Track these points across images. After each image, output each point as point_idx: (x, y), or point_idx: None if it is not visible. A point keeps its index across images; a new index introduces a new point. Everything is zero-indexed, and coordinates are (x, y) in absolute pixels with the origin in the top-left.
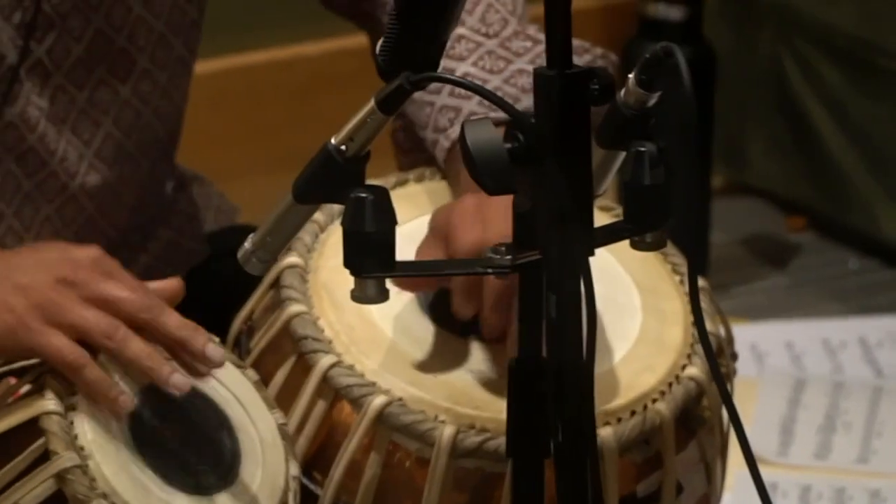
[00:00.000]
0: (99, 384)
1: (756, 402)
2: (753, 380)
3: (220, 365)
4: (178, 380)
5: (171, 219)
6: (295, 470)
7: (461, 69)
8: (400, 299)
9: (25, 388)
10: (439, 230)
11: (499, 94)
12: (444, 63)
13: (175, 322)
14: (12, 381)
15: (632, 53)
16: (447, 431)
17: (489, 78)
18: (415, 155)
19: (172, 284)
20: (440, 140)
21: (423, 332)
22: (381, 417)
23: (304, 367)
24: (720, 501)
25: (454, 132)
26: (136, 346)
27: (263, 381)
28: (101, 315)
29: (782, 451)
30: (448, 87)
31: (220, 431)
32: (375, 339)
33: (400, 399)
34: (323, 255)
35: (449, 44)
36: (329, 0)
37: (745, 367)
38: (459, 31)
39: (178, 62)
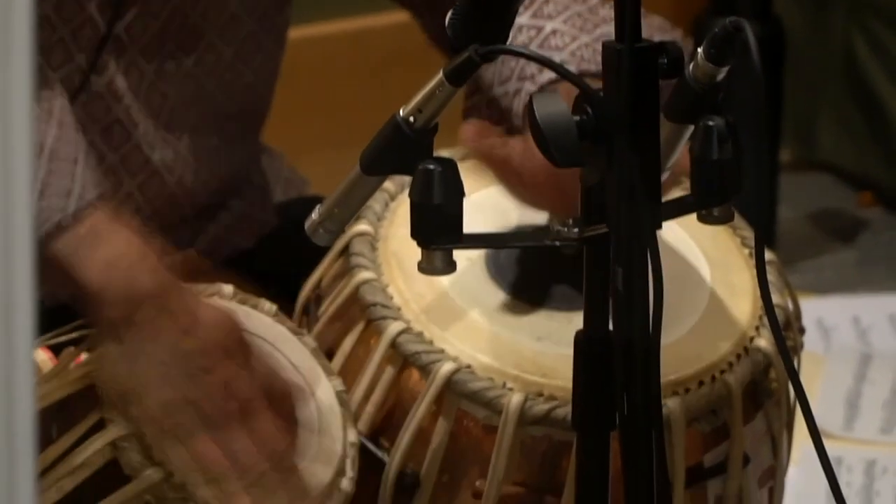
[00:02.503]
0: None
1: (822, 376)
2: (820, 355)
3: None
4: None
5: (244, 190)
6: (353, 436)
7: (550, 26)
8: (470, 268)
9: (85, 355)
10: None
11: (589, 50)
12: (533, 21)
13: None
14: (72, 349)
15: (702, 29)
16: (515, 399)
17: (579, 35)
18: None
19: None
20: (525, 86)
21: (493, 300)
22: (450, 384)
23: (372, 333)
24: (786, 474)
25: (543, 78)
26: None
27: (331, 349)
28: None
29: (848, 425)
30: (538, 38)
31: None
32: (445, 307)
33: (468, 366)
34: (393, 223)
35: (536, 6)
36: None
37: (811, 341)
38: None
39: (249, 38)
